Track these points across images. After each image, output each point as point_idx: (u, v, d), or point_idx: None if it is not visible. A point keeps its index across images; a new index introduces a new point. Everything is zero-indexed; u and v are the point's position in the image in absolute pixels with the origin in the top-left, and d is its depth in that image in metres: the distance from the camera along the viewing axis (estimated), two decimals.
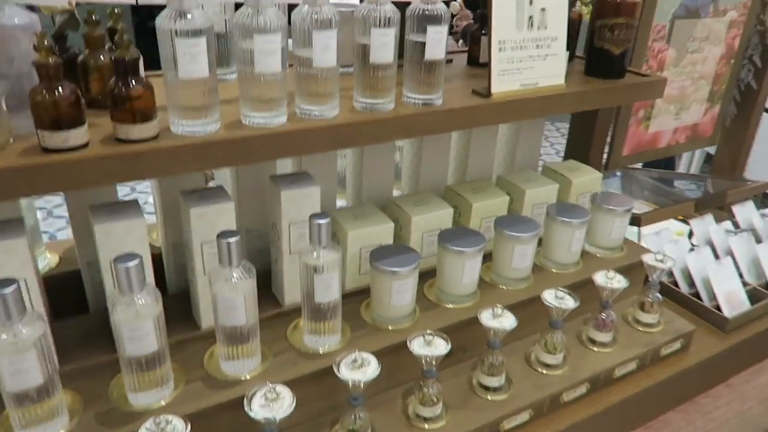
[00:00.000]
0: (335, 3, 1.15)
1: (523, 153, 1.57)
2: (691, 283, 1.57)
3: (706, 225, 1.72)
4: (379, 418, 1.07)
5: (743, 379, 1.50)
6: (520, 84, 1.18)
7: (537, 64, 1.19)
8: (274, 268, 1.19)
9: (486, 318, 1.10)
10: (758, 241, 1.69)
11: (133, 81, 0.83)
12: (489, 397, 1.14)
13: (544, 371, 1.22)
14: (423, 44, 1.03)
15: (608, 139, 1.75)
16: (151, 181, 1.16)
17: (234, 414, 0.94)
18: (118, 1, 0.95)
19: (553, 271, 1.40)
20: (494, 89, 1.14)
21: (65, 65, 0.94)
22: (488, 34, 1.12)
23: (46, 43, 0.77)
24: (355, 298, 1.22)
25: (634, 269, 1.43)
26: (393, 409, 1.11)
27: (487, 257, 1.34)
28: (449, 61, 1.42)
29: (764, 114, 2.10)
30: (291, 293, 1.16)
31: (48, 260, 1.22)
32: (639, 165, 2.24)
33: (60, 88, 0.79)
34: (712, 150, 2.20)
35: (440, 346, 1.01)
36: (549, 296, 1.18)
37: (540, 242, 1.41)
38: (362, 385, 0.93)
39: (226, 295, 0.93)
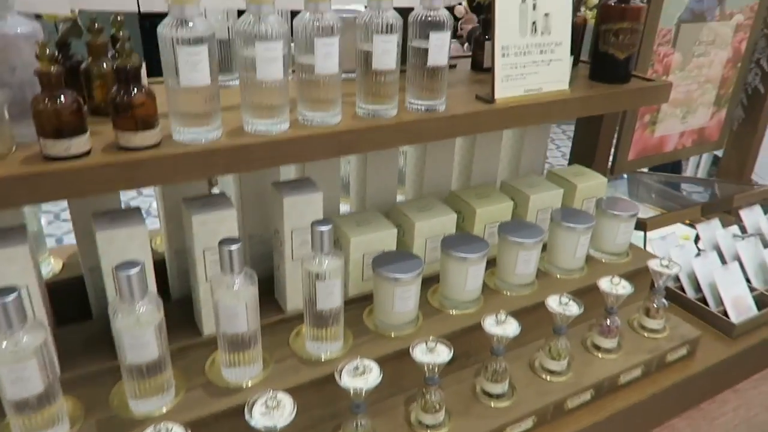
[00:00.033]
0: (338, 9, 1.15)
1: (527, 158, 1.56)
2: (698, 288, 1.55)
3: (712, 229, 1.71)
4: (382, 426, 1.06)
5: (750, 385, 1.48)
6: (524, 89, 1.17)
7: (541, 69, 1.18)
8: (277, 275, 1.18)
9: (489, 325, 1.09)
10: (765, 245, 1.68)
11: (135, 89, 0.83)
12: (492, 404, 1.13)
13: (548, 378, 1.21)
14: (426, 50, 1.02)
15: (613, 144, 1.74)
16: (154, 187, 1.16)
17: (235, 421, 0.94)
18: (121, 9, 0.95)
19: (558, 276, 1.39)
20: (498, 95, 1.14)
21: (69, 73, 0.94)
22: (491, 39, 1.12)
23: (47, 52, 0.78)
24: (358, 304, 1.22)
25: (639, 274, 1.43)
26: (395, 416, 1.10)
27: (491, 263, 1.34)
28: (453, 66, 1.41)
29: None
30: (293, 299, 1.16)
31: (52, 266, 1.23)
32: (645, 168, 2.23)
33: (61, 96, 0.79)
34: (720, 152, 2.18)
35: (443, 353, 1.01)
36: (553, 302, 1.18)
37: (544, 248, 1.40)
38: (364, 393, 0.92)
39: (228, 302, 0.93)
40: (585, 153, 1.71)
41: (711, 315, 1.49)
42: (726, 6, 1.75)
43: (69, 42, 0.99)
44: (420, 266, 1.14)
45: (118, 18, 0.97)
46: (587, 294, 1.31)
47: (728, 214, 1.92)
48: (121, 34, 0.93)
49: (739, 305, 1.50)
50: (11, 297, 0.76)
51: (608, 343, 1.30)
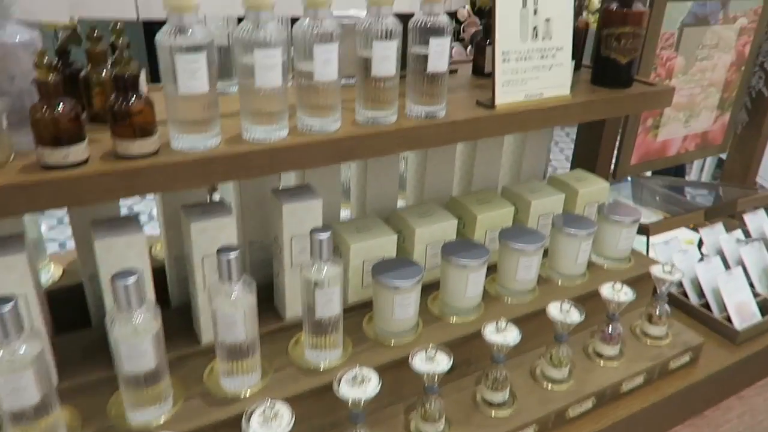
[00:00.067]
0: (339, 15, 1.15)
1: (529, 163, 1.56)
2: (701, 294, 1.54)
3: (716, 234, 1.70)
4: None
5: (755, 392, 1.47)
6: (525, 95, 1.17)
7: (542, 74, 1.18)
8: (276, 282, 1.18)
9: (489, 332, 1.09)
10: None
11: (133, 97, 0.83)
12: (493, 413, 1.13)
13: (550, 386, 1.20)
14: (426, 56, 1.02)
15: (616, 148, 1.73)
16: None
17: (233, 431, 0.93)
18: (119, 17, 0.95)
19: (559, 283, 1.38)
20: (498, 101, 1.13)
21: (68, 80, 0.94)
22: (492, 44, 1.11)
23: (45, 61, 0.77)
24: (358, 311, 1.21)
25: (642, 280, 1.42)
26: (395, 425, 1.10)
27: (492, 269, 1.33)
28: (454, 71, 1.41)
29: None
30: (293, 307, 1.15)
31: (51, 273, 1.22)
32: (649, 172, 2.22)
33: (59, 105, 0.79)
34: (724, 155, 2.17)
35: (442, 362, 1.00)
36: (554, 310, 1.17)
37: (546, 253, 1.40)
38: (362, 403, 0.92)
39: (226, 310, 0.93)
40: (587, 157, 1.70)
41: (714, 321, 1.48)
42: (729, 9, 1.73)
43: (69, 50, 0.99)
44: (420, 273, 1.13)
45: (118, 25, 0.97)
46: (589, 300, 1.30)
47: (732, 218, 1.90)
48: (120, 41, 0.93)
49: (743, 311, 1.49)
50: (8, 307, 0.75)
51: (610, 350, 1.29)
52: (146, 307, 0.86)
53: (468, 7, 2.80)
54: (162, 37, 0.83)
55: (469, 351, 1.19)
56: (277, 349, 1.10)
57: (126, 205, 3.72)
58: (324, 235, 0.98)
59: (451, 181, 1.46)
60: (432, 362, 1.00)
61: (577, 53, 1.34)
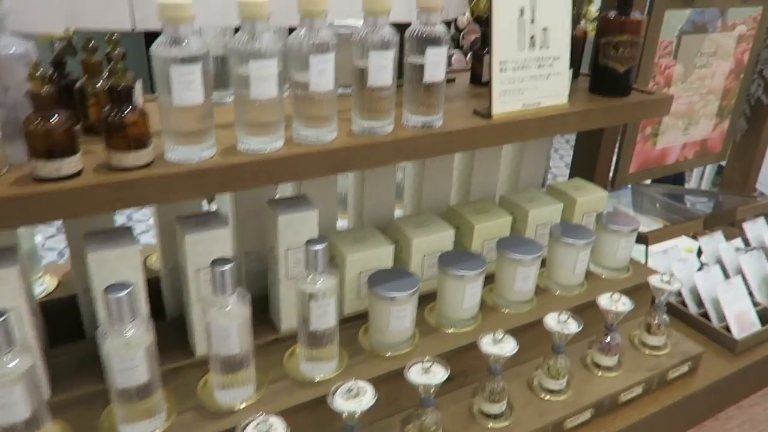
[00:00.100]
0: (337, 24, 1.15)
1: (527, 171, 1.55)
2: (700, 303, 1.54)
3: (715, 243, 1.69)
4: None
5: (754, 401, 1.47)
6: (522, 104, 1.16)
7: (539, 83, 1.17)
8: (272, 293, 1.17)
9: (486, 344, 1.08)
10: None
11: (127, 108, 0.83)
12: (490, 425, 1.12)
13: (547, 397, 1.19)
14: (422, 66, 1.01)
15: (615, 156, 1.73)
16: None
17: None
18: (115, 28, 0.94)
19: (557, 293, 1.38)
20: (495, 110, 1.13)
21: (64, 91, 0.94)
22: (489, 53, 1.11)
23: (38, 73, 0.77)
24: (355, 322, 1.20)
25: (640, 290, 1.41)
26: None
27: (490, 279, 1.32)
28: (452, 80, 1.40)
29: None
30: (288, 319, 1.14)
31: (46, 285, 1.22)
32: (648, 180, 2.21)
33: (52, 117, 0.78)
34: (724, 161, 2.17)
35: (439, 374, 1.00)
36: (551, 321, 1.16)
37: (544, 263, 1.39)
38: (357, 416, 0.91)
39: (220, 323, 0.92)
40: (586, 166, 1.69)
41: (713, 331, 1.47)
42: (728, 17, 1.73)
43: (64, 61, 0.99)
44: (416, 284, 1.12)
45: (114, 36, 0.97)
46: (587, 310, 1.29)
47: (732, 226, 1.90)
48: (116, 52, 0.93)
49: (743, 320, 1.48)
50: None
51: (608, 360, 1.28)
52: (139, 320, 0.86)
53: (468, 14, 2.81)
54: (157, 49, 0.82)
55: (466, 362, 1.18)
56: (272, 361, 1.09)
57: (125, 214, 3.72)
58: (319, 247, 0.98)
59: (449, 190, 1.46)
60: (428, 374, 1.00)
61: (575, 62, 1.34)
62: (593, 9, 1.45)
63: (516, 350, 1.06)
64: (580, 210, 1.46)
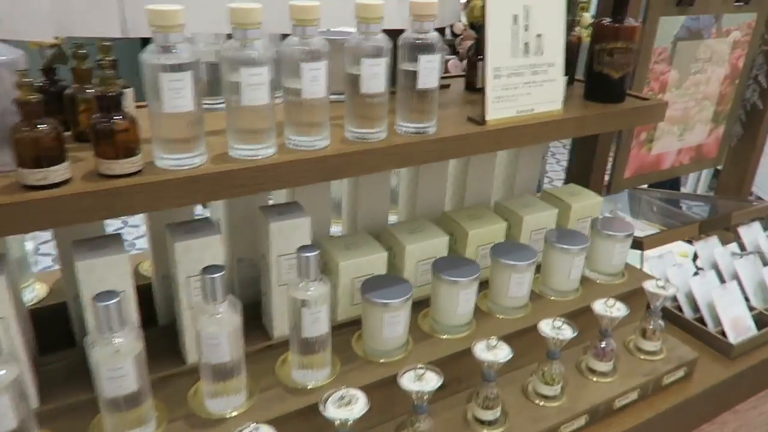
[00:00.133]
0: (331, 31, 1.14)
1: (522, 177, 1.55)
2: (696, 308, 1.53)
3: (711, 247, 1.69)
4: None
5: (750, 406, 1.46)
6: (516, 111, 1.16)
7: (533, 90, 1.17)
8: (264, 300, 1.17)
9: (480, 350, 1.07)
10: (765, 263, 1.66)
11: (115, 116, 0.82)
12: None
13: (542, 403, 1.19)
14: (415, 73, 1.01)
15: (610, 162, 1.73)
16: None
17: None
18: (104, 35, 0.94)
19: (552, 298, 1.37)
20: (489, 117, 1.12)
21: (54, 99, 0.94)
22: (483, 60, 1.10)
23: (26, 81, 0.77)
24: (348, 329, 1.20)
25: (635, 295, 1.41)
26: None
27: (484, 285, 1.32)
28: (446, 86, 1.40)
29: None
30: (280, 326, 1.14)
31: (37, 292, 1.21)
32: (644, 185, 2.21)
33: (40, 125, 0.78)
34: (720, 166, 2.17)
35: (432, 381, 0.99)
36: (546, 327, 1.16)
37: (538, 269, 1.39)
38: (349, 424, 0.90)
39: (211, 331, 0.92)
40: (581, 171, 1.69)
41: (709, 336, 1.47)
42: (723, 23, 1.73)
43: (54, 68, 0.99)
44: (409, 291, 1.12)
45: (104, 43, 0.97)
46: (582, 316, 1.29)
47: (727, 231, 1.90)
48: (106, 59, 0.92)
49: (738, 325, 1.48)
50: None
51: (603, 366, 1.27)
52: (128, 328, 0.85)
53: (464, 20, 2.81)
54: (147, 56, 0.82)
55: (460, 368, 1.17)
56: (264, 369, 1.09)
57: (120, 219, 3.70)
58: (311, 254, 0.97)
59: (443, 196, 1.46)
60: (421, 381, 0.99)
61: (570, 68, 1.34)
62: (587, 16, 1.44)
63: (510, 356, 1.06)
64: (575, 216, 1.46)
